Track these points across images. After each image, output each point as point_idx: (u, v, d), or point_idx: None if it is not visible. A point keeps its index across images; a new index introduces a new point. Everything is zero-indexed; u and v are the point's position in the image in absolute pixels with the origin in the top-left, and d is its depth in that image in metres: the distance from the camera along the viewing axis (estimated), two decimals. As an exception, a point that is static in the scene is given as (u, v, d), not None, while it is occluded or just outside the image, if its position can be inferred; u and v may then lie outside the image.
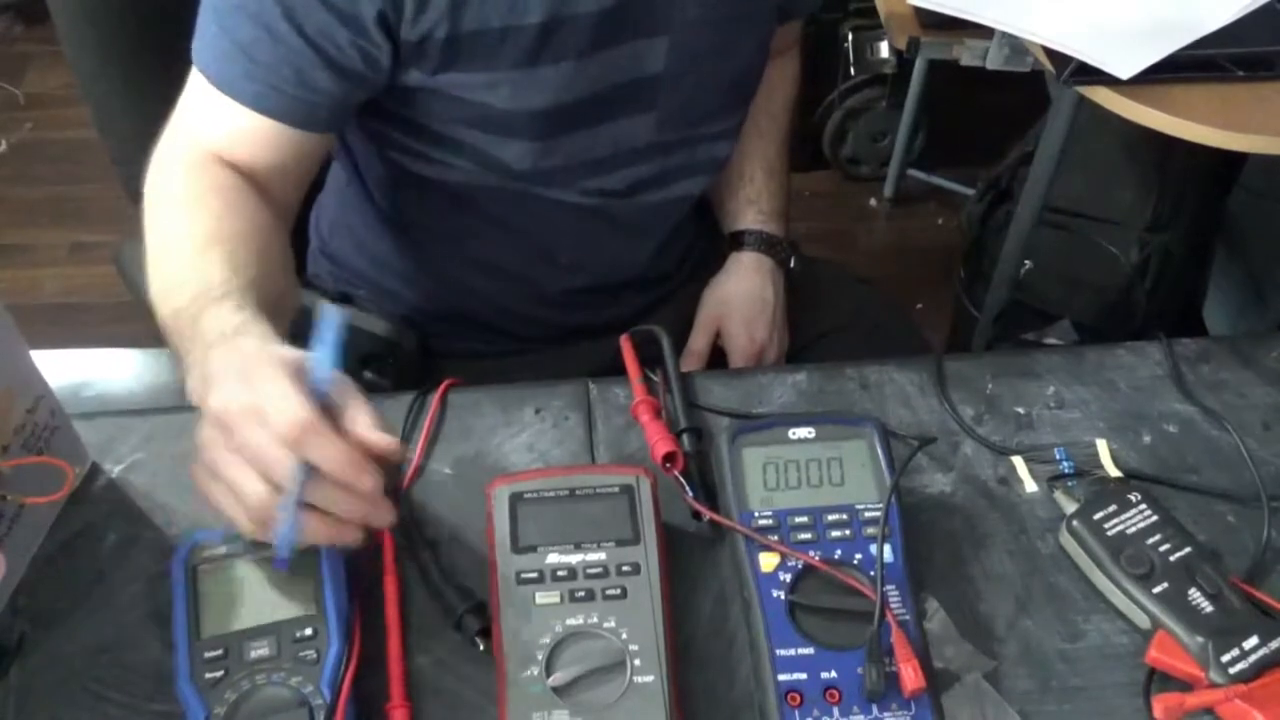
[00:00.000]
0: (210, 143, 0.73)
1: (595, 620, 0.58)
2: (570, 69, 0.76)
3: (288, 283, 0.74)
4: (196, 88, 0.73)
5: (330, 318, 0.56)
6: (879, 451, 0.64)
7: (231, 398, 0.54)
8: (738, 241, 1.00)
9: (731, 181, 1.02)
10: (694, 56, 0.81)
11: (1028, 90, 1.50)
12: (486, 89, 0.75)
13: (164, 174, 0.73)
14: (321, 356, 0.56)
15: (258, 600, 0.58)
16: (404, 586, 0.63)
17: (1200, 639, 0.58)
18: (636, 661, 0.56)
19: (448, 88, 0.75)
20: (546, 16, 0.72)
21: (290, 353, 0.57)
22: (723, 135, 0.92)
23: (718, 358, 0.98)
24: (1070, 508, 0.66)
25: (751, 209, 1.01)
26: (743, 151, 1.00)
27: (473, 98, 0.76)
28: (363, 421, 0.55)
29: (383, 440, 0.55)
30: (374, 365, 0.93)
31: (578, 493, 0.62)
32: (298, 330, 0.64)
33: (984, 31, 1.10)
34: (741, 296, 0.98)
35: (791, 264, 1.02)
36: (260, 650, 0.56)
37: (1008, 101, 1.74)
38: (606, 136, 0.83)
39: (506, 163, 0.81)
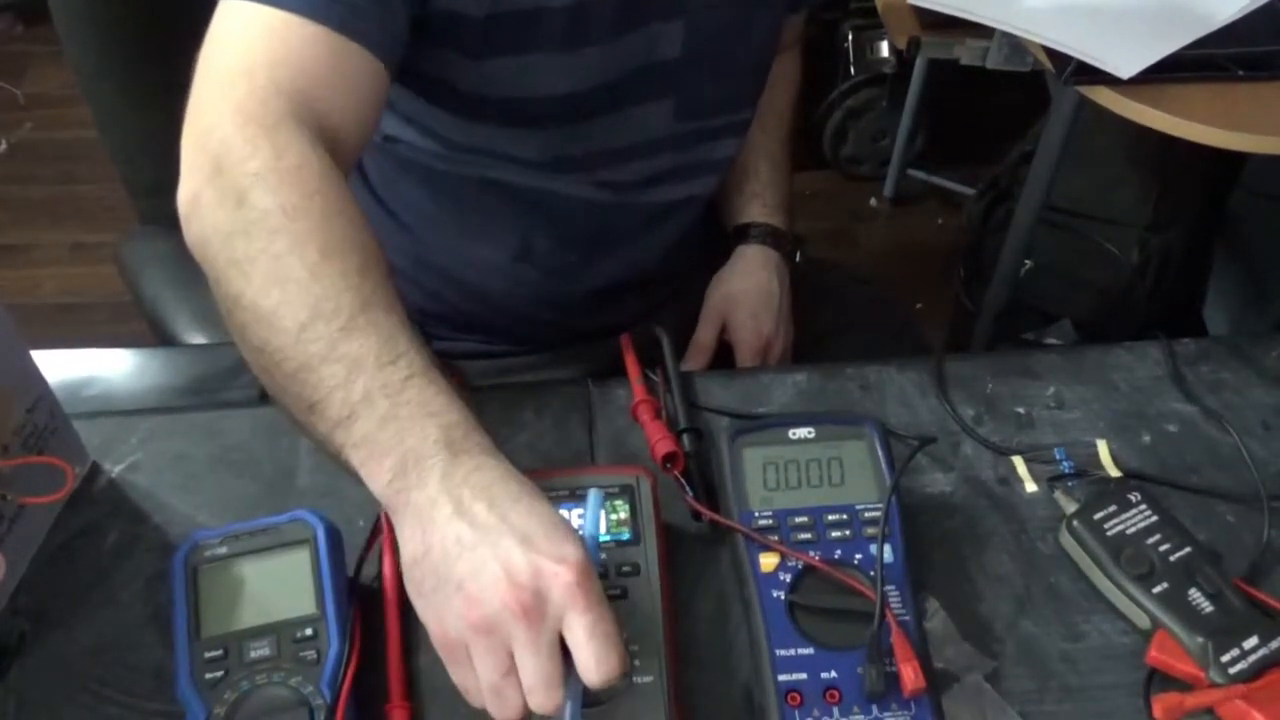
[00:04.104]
0: (276, 78, 0.63)
1: (595, 620, 0.58)
2: (594, 54, 0.76)
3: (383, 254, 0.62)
4: (260, 31, 0.64)
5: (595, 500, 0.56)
6: (879, 451, 0.64)
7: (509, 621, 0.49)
8: (743, 235, 1.00)
9: (736, 176, 1.02)
10: (709, 39, 0.81)
11: (1028, 90, 1.50)
12: (517, 75, 0.75)
13: (231, 149, 0.60)
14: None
15: (258, 600, 0.58)
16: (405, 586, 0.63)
17: (1200, 639, 0.58)
18: (636, 662, 0.56)
19: (482, 75, 0.75)
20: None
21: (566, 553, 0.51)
22: (737, 130, 0.92)
23: (723, 352, 0.98)
24: (1070, 508, 0.66)
25: (756, 202, 1.01)
26: (747, 147, 0.99)
27: (503, 87, 0.76)
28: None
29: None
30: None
31: (578, 493, 0.62)
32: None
33: (984, 31, 1.10)
34: (748, 290, 0.97)
35: (796, 258, 1.02)
36: (260, 650, 0.56)
37: (1008, 101, 1.74)
38: (624, 126, 0.83)
39: (525, 155, 0.80)
